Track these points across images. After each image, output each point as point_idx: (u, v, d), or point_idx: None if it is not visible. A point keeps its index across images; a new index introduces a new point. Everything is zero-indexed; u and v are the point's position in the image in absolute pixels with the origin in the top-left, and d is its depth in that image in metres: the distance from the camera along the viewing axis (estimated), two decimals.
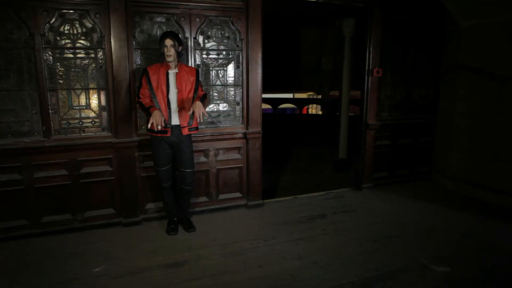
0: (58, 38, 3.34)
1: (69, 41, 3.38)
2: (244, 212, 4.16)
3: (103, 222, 3.68)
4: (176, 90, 3.23)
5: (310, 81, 11.19)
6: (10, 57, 3.22)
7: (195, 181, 3.62)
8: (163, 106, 3.18)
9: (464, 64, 4.75)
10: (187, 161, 3.38)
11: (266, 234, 3.56)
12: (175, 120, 3.26)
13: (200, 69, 3.85)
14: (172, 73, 3.24)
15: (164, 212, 3.78)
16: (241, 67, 4.04)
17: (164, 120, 3.06)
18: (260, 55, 4.01)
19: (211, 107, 4.00)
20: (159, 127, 2.99)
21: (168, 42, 3.11)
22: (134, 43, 3.57)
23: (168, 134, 3.23)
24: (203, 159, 3.97)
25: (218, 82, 3.98)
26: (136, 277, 2.80)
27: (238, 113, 4.12)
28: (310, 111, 16.82)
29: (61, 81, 3.41)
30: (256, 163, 4.19)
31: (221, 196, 4.16)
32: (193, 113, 3.16)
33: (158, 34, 3.64)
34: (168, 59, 3.15)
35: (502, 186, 4.34)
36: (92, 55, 3.47)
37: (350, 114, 6.12)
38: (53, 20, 3.29)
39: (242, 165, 4.17)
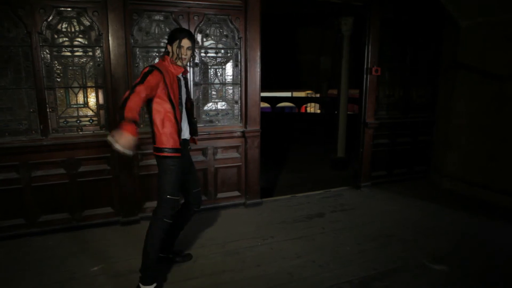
0: (56, 36, 3.33)
1: (66, 39, 3.37)
2: (242, 210, 4.16)
3: (101, 221, 3.67)
4: (187, 98, 2.73)
5: (309, 79, 11.19)
6: (7, 55, 3.20)
7: None
8: (179, 119, 2.54)
9: (463, 63, 4.76)
10: (197, 177, 2.94)
11: (265, 233, 3.56)
12: (187, 134, 2.73)
13: (198, 68, 3.85)
14: (182, 79, 2.67)
15: None
16: (239, 66, 4.03)
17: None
18: (258, 53, 4.00)
19: (210, 105, 3.99)
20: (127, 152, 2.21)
21: (187, 43, 2.54)
22: (132, 41, 3.55)
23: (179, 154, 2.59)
24: (201, 158, 3.97)
25: (217, 81, 3.97)
26: (134, 277, 2.78)
27: (236, 111, 4.11)
28: (308, 109, 16.84)
29: (58, 79, 3.40)
30: (254, 162, 4.18)
31: (220, 195, 4.15)
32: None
33: (157, 32, 3.63)
34: (180, 63, 2.57)
35: (500, 185, 4.35)
36: (90, 53, 3.46)
37: (348, 112, 6.12)
38: (50, 18, 3.27)
39: (240, 163, 4.16)
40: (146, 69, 2.41)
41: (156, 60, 3.64)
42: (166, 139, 2.50)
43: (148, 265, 2.57)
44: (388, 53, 4.86)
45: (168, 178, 2.56)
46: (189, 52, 2.58)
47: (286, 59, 10.35)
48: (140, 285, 2.55)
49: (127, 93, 2.29)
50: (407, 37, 4.96)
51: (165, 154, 2.52)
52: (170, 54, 2.56)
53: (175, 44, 2.54)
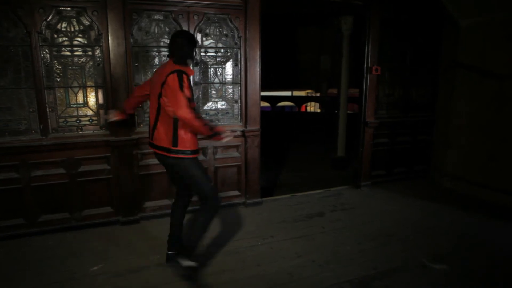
0: (55, 35, 3.32)
1: (66, 38, 3.36)
2: (242, 210, 4.16)
3: (101, 220, 3.66)
4: None
5: (309, 79, 11.19)
6: (7, 55, 3.19)
7: None
8: None
9: (462, 62, 4.76)
10: None
11: (265, 233, 3.56)
12: None
13: (198, 67, 3.85)
14: None
15: (162, 211, 3.77)
16: (239, 65, 4.02)
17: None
18: (258, 53, 4.00)
19: (209, 105, 3.99)
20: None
21: None
22: (131, 40, 3.54)
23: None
24: (201, 157, 3.95)
25: (217, 80, 3.97)
26: (134, 276, 2.79)
27: (236, 111, 4.11)
28: (308, 109, 16.82)
29: (58, 79, 3.39)
30: (254, 161, 4.18)
31: (220, 195, 4.13)
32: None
33: (156, 31, 3.62)
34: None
35: (500, 185, 4.35)
36: (90, 53, 3.45)
37: (348, 112, 6.12)
38: (50, 17, 3.26)
39: (240, 163, 4.16)
40: (177, 78, 2.47)
41: (156, 60, 3.65)
42: (189, 143, 2.60)
43: (196, 247, 2.77)
44: (388, 52, 4.86)
45: (196, 172, 2.66)
46: None
47: (286, 59, 10.35)
48: (184, 261, 2.70)
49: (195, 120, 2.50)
50: (407, 36, 4.96)
51: (188, 156, 2.61)
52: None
53: (194, 50, 2.76)
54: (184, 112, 2.44)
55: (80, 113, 3.52)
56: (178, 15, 3.67)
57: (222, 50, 3.94)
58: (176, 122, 2.55)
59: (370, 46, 4.63)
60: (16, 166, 3.33)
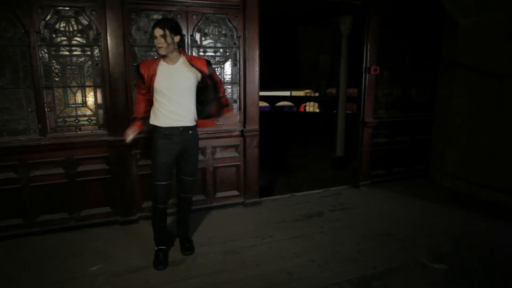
0: (54, 35, 3.31)
1: (64, 38, 3.35)
2: (241, 210, 4.15)
3: (100, 220, 3.66)
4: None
5: (308, 79, 11.19)
6: (5, 55, 3.18)
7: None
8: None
9: (462, 62, 4.76)
10: None
11: (264, 232, 3.56)
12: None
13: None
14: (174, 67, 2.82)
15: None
16: (238, 65, 4.02)
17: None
18: (257, 52, 3.99)
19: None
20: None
21: (158, 32, 2.67)
22: (130, 40, 3.54)
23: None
24: (200, 157, 3.94)
25: None
26: (133, 276, 2.79)
27: (235, 110, 4.10)
28: (307, 108, 16.82)
29: (56, 79, 3.38)
30: (253, 161, 4.18)
31: (218, 194, 4.15)
32: None
33: None
34: (160, 51, 2.73)
35: (500, 184, 4.35)
36: (88, 53, 3.44)
37: (347, 111, 6.12)
38: (48, 17, 3.25)
39: (239, 163, 4.16)
40: None
41: None
42: None
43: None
44: (387, 52, 4.85)
45: None
46: (161, 40, 2.66)
47: (285, 58, 10.34)
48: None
49: None
50: (406, 36, 4.95)
51: None
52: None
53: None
54: None
55: (79, 113, 3.51)
56: (177, 15, 3.66)
57: (221, 50, 3.94)
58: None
59: (369, 46, 4.63)
60: (15, 166, 3.33)
